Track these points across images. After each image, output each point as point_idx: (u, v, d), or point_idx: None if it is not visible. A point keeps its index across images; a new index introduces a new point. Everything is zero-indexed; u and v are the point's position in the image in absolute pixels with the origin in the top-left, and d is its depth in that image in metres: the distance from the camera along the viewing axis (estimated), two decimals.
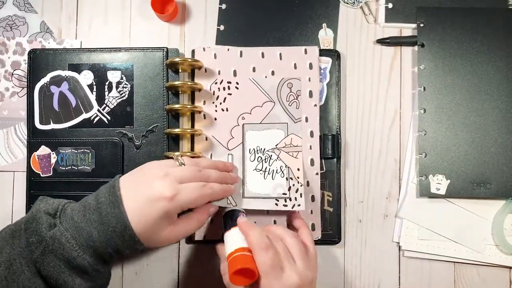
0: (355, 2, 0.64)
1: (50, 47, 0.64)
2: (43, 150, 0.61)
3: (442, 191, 0.61)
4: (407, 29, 0.64)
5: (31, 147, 0.61)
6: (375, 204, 0.62)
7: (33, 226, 0.48)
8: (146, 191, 0.48)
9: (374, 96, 0.64)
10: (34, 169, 0.61)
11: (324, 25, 0.64)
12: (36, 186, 0.61)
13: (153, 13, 0.62)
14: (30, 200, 0.60)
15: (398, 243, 0.62)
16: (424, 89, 0.62)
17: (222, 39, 0.64)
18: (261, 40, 0.64)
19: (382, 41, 0.64)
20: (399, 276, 0.62)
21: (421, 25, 0.63)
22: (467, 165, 0.61)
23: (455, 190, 0.61)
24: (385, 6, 0.64)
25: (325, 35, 0.64)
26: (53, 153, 0.61)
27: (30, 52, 0.62)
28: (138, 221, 0.48)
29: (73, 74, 0.62)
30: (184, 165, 0.52)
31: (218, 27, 0.64)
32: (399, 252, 0.62)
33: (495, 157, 0.61)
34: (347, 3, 0.65)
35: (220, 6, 0.64)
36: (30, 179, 0.61)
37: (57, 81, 0.62)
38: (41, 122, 0.62)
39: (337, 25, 0.64)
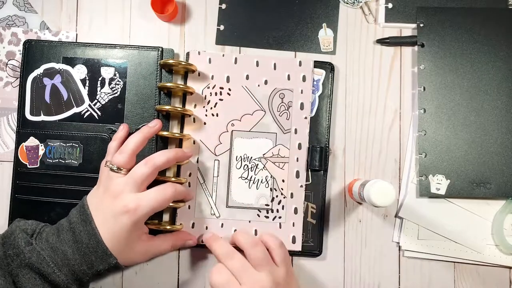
0: (355, 2, 0.64)
1: (45, 38, 0.63)
2: (32, 141, 0.61)
3: (442, 191, 0.61)
4: (407, 29, 0.64)
5: (20, 138, 0.61)
6: None
7: (10, 240, 0.51)
8: (110, 207, 0.51)
9: (374, 96, 0.64)
10: (22, 160, 0.61)
11: (324, 25, 0.64)
12: (22, 177, 0.60)
13: (153, 13, 0.62)
14: (16, 190, 0.60)
15: (398, 243, 0.62)
16: (424, 89, 0.62)
17: (222, 39, 0.64)
18: (261, 40, 0.64)
19: (382, 41, 0.64)
20: (399, 276, 0.62)
21: (421, 25, 0.63)
22: (467, 165, 0.61)
23: (455, 190, 0.61)
24: (385, 6, 0.64)
25: (325, 35, 0.64)
26: (41, 145, 0.61)
27: (25, 43, 0.62)
28: (109, 236, 0.51)
29: (67, 67, 0.62)
30: (119, 169, 0.53)
31: (218, 27, 0.64)
32: (399, 252, 0.62)
33: (495, 157, 0.61)
34: (347, 3, 0.65)
35: (220, 6, 0.64)
36: (17, 169, 0.61)
37: (50, 73, 0.62)
38: (32, 113, 0.61)
39: (337, 25, 0.64)
